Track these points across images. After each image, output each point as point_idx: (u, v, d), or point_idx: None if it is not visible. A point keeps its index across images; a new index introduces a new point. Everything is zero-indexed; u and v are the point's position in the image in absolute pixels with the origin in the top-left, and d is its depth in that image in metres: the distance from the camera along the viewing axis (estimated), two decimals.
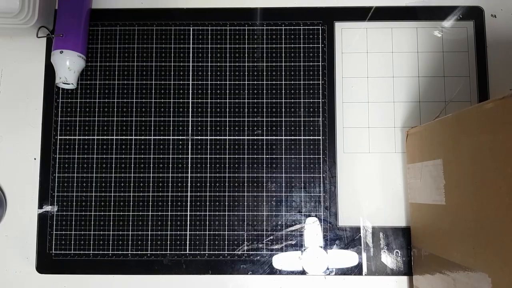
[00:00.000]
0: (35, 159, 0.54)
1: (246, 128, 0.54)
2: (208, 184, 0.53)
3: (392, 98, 0.54)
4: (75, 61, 0.52)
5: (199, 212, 0.53)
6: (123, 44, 0.56)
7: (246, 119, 0.54)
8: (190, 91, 0.55)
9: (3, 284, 0.52)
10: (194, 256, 0.52)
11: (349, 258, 0.52)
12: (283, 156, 0.53)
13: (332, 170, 0.53)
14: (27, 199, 0.53)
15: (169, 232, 0.52)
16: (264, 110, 0.54)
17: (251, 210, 0.53)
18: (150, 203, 0.53)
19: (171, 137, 0.54)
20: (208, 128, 0.54)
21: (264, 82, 0.55)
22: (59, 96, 0.55)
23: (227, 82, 0.55)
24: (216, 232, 0.52)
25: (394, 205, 0.53)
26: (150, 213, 0.53)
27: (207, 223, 0.53)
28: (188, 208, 0.53)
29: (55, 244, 0.52)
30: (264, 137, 0.54)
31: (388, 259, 0.52)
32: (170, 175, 0.53)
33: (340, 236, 0.52)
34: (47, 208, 0.53)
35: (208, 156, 0.54)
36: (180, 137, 0.54)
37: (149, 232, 0.53)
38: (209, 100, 0.54)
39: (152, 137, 0.54)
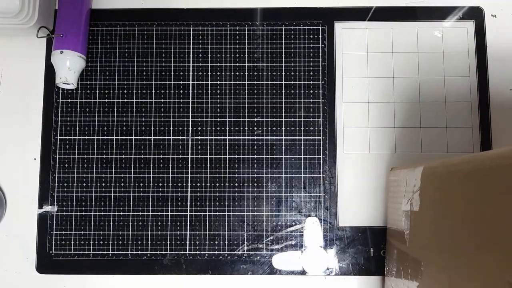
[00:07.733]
0: (35, 159, 0.54)
1: (246, 128, 0.54)
2: (208, 184, 0.53)
3: (392, 98, 0.54)
4: (75, 61, 0.52)
5: (199, 212, 0.53)
6: (123, 44, 0.56)
7: (246, 119, 0.54)
8: (190, 91, 0.55)
9: (3, 284, 0.52)
10: (194, 256, 0.52)
11: (349, 258, 0.52)
12: (283, 156, 0.53)
13: (332, 170, 0.53)
14: (27, 199, 0.53)
15: (169, 232, 0.52)
16: (264, 110, 0.54)
17: (251, 210, 0.53)
18: (150, 203, 0.53)
19: (171, 137, 0.54)
20: (208, 128, 0.54)
21: (264, 82, 0.55)
22: (59, 96, 0.55)
23: (227, 82, 0.55)
24: (216, 232, 0.52)
25: None
26: (150, 213, 0.53)
27: (207, 223, 0.53)
28: (188, 208, 0.53)
29: (55, 244, 0.52)
30: (264, 137, 0.54)
31: None
32: (170, 175, 0.53)
33: (340, 236, 0.52)
34: (47, 208, 0.53)
35: (208, 156, 0.54)
36: (180, 137, 0.54)
37: (149, 232, 0.53)
38: (209, 100, 0.54)
39: (152, 137, 0.54)
